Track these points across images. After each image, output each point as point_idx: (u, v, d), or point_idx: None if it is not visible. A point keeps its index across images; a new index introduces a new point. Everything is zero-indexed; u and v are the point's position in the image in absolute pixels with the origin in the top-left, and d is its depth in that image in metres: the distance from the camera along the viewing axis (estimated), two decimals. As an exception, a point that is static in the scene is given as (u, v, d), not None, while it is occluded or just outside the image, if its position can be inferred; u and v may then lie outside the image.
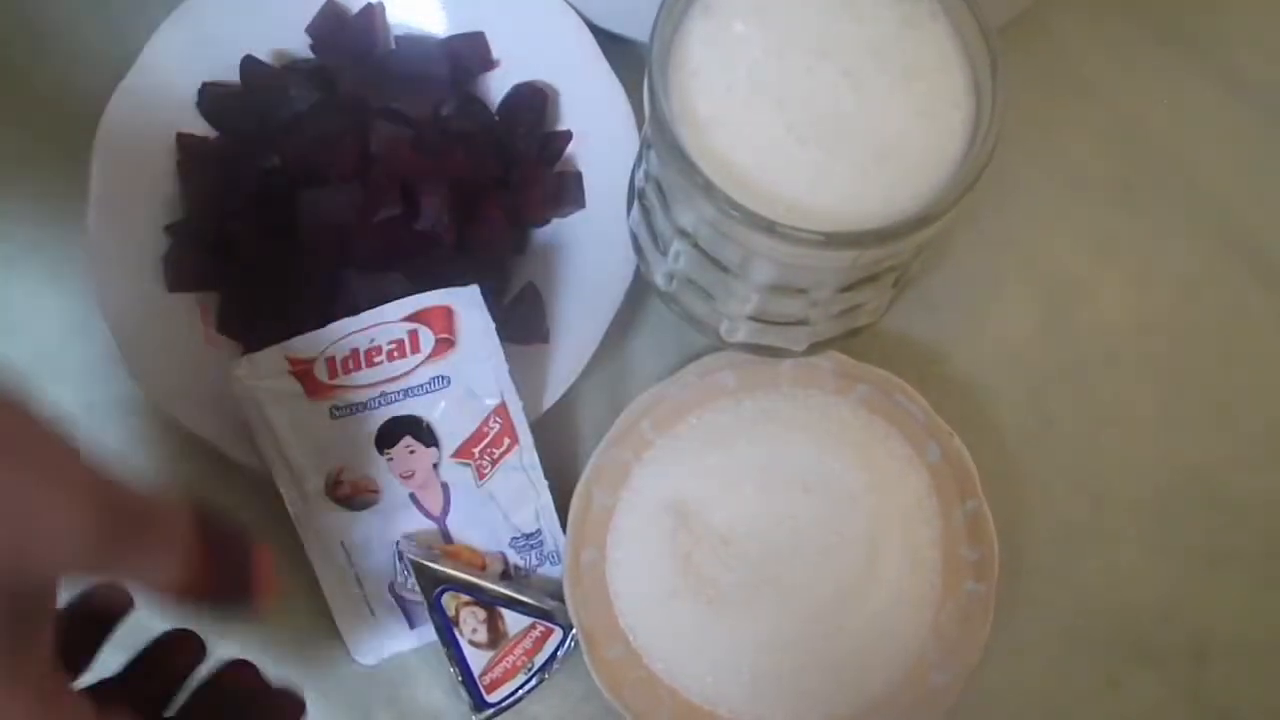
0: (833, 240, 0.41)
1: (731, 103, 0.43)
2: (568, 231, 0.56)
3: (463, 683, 0.51)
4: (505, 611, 0.51)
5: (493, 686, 0.51)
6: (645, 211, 0.49)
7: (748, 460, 0.52)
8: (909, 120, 0.43)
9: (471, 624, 0.51)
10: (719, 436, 0.52)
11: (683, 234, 0.46)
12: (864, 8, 0.44)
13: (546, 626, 0.51)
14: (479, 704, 0.51)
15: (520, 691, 0.51)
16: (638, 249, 0.53)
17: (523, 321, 0.53)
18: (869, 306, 0.50)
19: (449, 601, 0.50)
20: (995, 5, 0.44)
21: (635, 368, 0.56)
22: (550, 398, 0.53)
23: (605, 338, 0.53)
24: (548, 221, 0.57)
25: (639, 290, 0.55)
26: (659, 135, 0.42)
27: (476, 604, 0.51)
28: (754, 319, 0.49)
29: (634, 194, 0.51)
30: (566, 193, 0.56)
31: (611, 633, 0.51)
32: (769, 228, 0.40)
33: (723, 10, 0.44)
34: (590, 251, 0.55)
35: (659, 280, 0.52)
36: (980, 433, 0.54)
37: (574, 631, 0.51)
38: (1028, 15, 0.56)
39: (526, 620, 0.51)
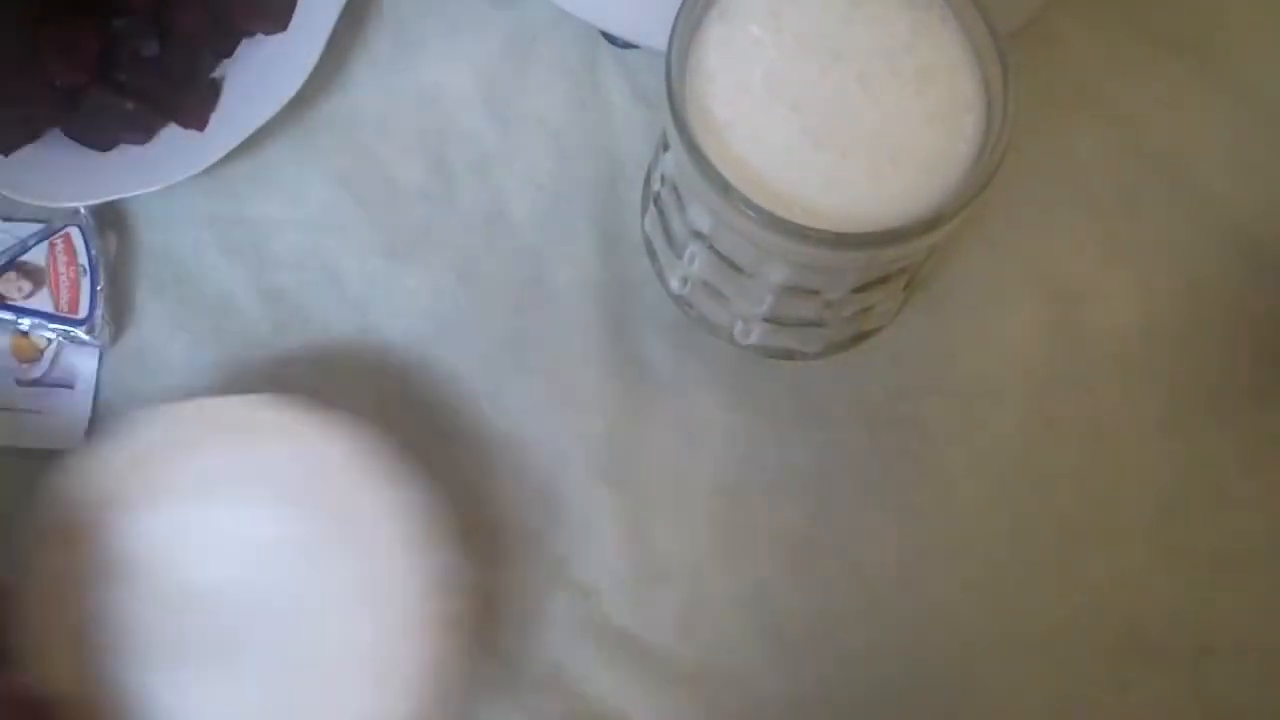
0: (846, 241, 0.42)
1: (747, 106, 0.43)
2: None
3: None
4: None
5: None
6: (661, 214, 0.50)
7: (215, 516, 0.49)
8: (921, 123, 0.44)
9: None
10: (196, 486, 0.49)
11: (698, 236, 0.47)
12: (876, 12, 0.44)
13: None
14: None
15: None
16: (652, 253, 0.53)
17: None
18: (880, 309, 0.51)
19: None
20: (1002, 14, 0.44)
21: (649, 373, 0.57)
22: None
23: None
24: (252, 34, 0.57)
25: (652, 295, 0.55)
26: (677, 137, 0.43)
27: None
28: (768, 320, 0.49)
29: (649, 198, 0.52)
30: (271, 10, 0.56)
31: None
32: (784, 228, 0.41)
33: (739, 15, 0.44)
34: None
35: (674, 284, 0.52)
36: (986, 434, 0.55)
37: None
38: (1034, 24, 0.57)
39: None
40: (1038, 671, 0.54)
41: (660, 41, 0.44)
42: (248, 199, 0.58)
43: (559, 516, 0.55)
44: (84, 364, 0.55)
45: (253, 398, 0.51)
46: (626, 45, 0.58)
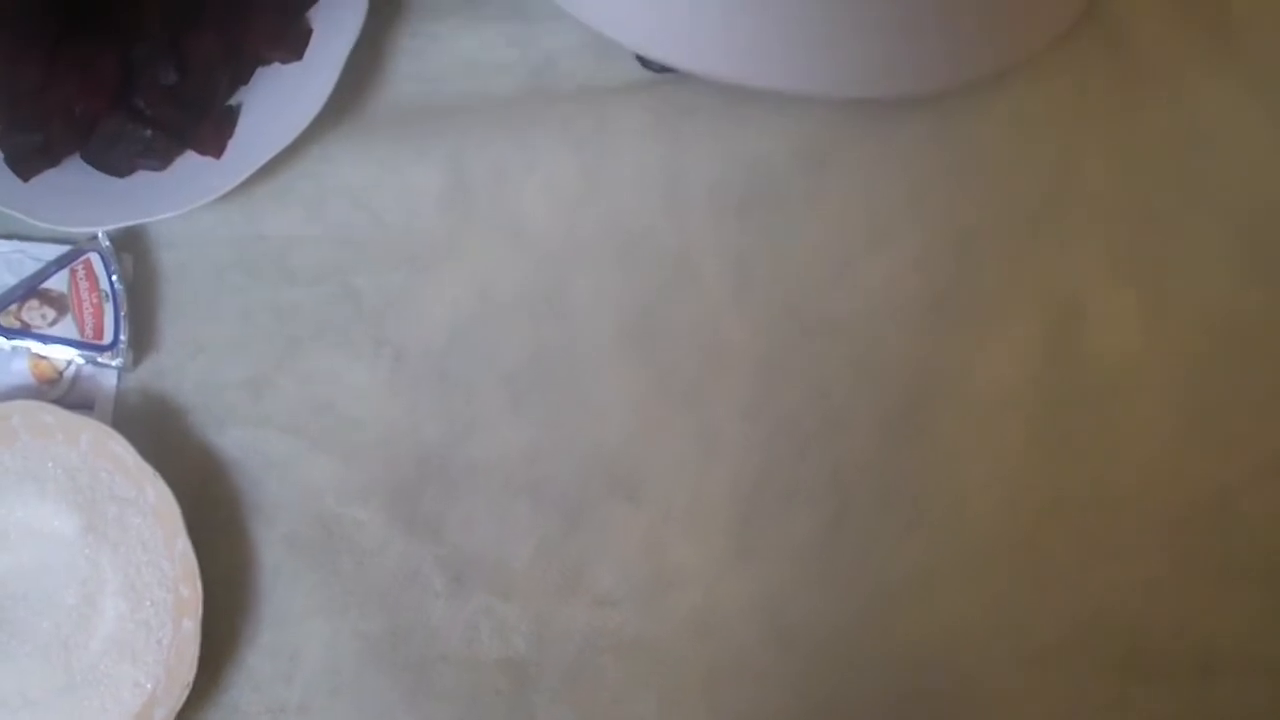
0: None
1: None
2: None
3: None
4: None
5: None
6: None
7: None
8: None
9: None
10: None
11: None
12: None
13: None
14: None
15: None
16: None
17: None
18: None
19: None
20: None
21: (667, 384, 0.57)
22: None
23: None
24: (269, 62, 0.58)
25: (672, 306, 0.56)
26: None
27: None
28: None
29: None
30: (288, 39, 0.57)
31: None
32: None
33: None
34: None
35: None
36: (999, 447, 0.55)
37: None
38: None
39: None
40: (1044, 684, 0.54)
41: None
42: (265, 216, 0.58)
43: (576, 526, 0.56)
44: (103, 385, 0.56)
45: (12, 403, 0.54)
46: (662, 69, 0.58)
